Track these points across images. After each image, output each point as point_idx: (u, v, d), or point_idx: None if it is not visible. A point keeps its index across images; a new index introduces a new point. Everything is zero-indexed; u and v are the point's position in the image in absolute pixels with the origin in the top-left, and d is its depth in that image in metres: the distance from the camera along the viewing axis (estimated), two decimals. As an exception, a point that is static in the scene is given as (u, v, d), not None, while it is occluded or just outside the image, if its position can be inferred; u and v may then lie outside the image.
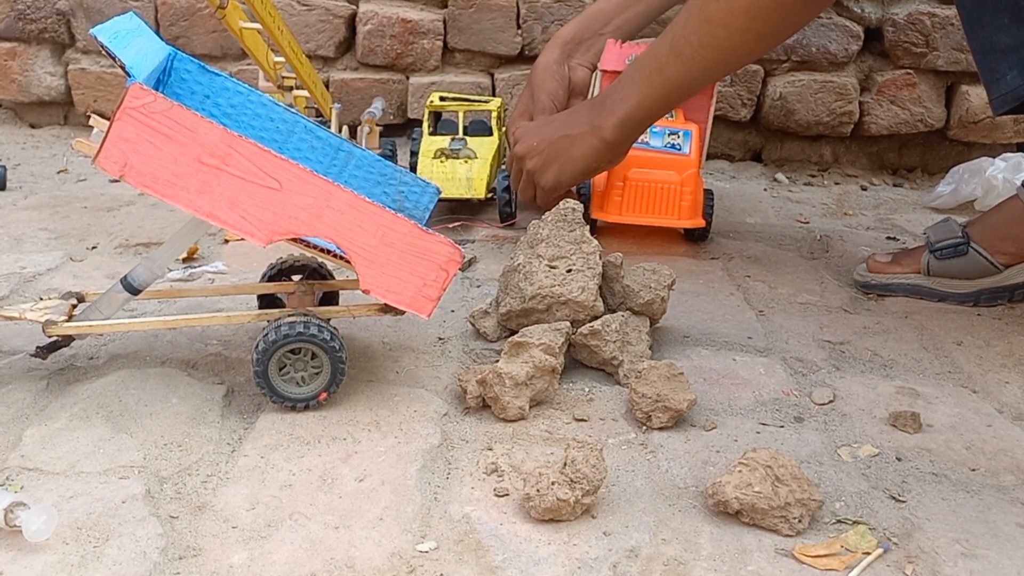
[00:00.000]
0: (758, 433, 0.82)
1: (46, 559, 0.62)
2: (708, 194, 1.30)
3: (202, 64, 0.89)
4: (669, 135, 1.27)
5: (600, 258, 0.94)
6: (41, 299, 0.88)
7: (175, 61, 0.88)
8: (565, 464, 0.68)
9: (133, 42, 0.78)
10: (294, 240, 0.85)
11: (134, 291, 0.84)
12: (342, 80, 1.75)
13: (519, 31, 1.73)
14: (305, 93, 1.41)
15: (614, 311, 0.94)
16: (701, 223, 1.28)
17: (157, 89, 0.84)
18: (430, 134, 1.43)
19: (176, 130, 0.72)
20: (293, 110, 0.92)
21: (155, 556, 0.63)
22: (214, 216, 0.75)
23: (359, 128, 1.51)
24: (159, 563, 0.62)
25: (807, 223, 1.47)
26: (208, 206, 0.75)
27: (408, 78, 1.76)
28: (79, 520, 0.66)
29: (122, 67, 0.73)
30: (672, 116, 1.28)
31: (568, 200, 0.98)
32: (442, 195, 0.96)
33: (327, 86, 1.73)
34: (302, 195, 0.75)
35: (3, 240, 1.23)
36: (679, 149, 1.26)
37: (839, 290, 1.17)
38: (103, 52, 0.74)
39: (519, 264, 0.94)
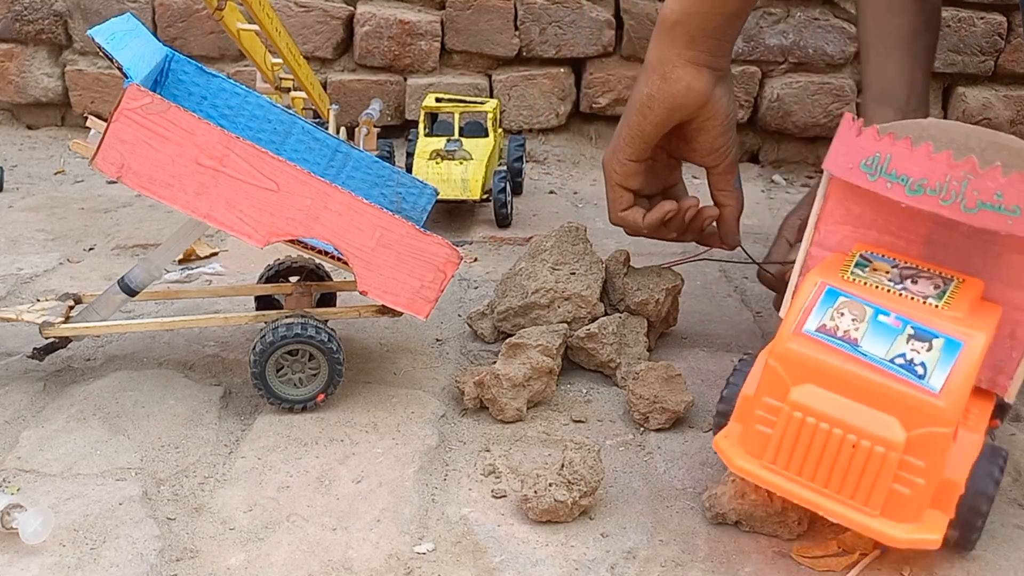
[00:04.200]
0: (755, 434, 0.82)
1: (43, 561, 0.62)
2: (985, 472, 0.62)
3: (199, 65, 0.89)
4: (912, 337, 0.60)
5: (603, 265, 0.95)
6: (38, 300, 0.88)
7: (172, 62, 0.88)
8: (563, 465, 0.68)
9: (130, 43, 0.78)
10: (291, 241, 0.85)
11: (131, 292, 0.84)
12: (340, 81, 1.75)
13: (517, 32, 1.73)
14: (303, 94, 1.42)
15: (617, 309, 0.94)
16: (932, 542, 0.60)
17: (154, 90, 0.84)
18: (426, 135, 1.43)
19: (173, 131, 0.72)
20: (291, 111, 0.91)
21: (152, 558, 0.63)
22: (211, 217, 0.75)
23: (357, 129, 1.51)
24: (156, 565, 0.62)
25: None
26: (205, 207, 0.75)
27: (406, 79, 1.76)
28: (76, 522, 0.66)
29: (119, 68, 0.73)
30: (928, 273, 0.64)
31: (573, 222, 0.97)
32: (437, 197, 0.96)
33: (325, 87, 1.73)
34: (299, 196, 0.75)
35: (0, 241, 1.23)
36: (918, 375, 0.59)
37: (836, 291, 1.17)
38: (100, 53, 0.74)
39: (521, 268, 0.94)
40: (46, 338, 0.83)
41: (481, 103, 1.45)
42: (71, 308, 0.86)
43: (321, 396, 0.81)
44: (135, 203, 1.41)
